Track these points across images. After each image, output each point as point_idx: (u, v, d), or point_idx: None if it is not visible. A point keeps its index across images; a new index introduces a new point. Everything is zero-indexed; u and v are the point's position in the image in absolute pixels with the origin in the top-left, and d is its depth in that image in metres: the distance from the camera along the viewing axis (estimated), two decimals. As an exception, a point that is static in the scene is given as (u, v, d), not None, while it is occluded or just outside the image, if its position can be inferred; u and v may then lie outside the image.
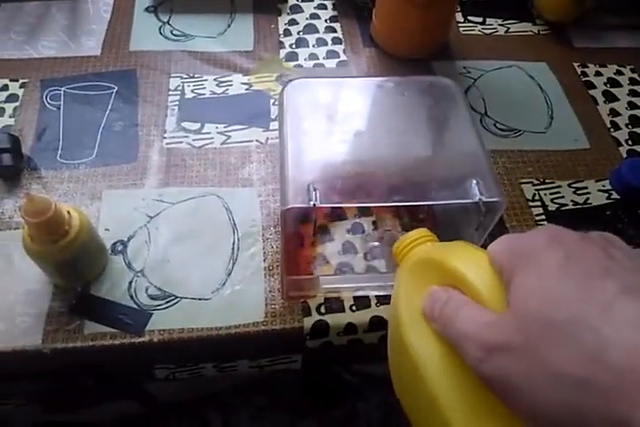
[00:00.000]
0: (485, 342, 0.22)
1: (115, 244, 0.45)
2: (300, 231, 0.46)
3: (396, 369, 0.29)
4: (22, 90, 0.55)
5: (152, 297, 0.42)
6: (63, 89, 0.55)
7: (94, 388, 0.47)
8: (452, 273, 0.25)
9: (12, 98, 0.54)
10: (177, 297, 0.42)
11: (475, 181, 0.33)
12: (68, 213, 0.39)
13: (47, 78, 0.56)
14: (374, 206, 0.45)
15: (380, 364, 0.53)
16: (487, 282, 0.24)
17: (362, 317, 0.42)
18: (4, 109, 0.53)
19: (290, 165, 0.33)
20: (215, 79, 0.57)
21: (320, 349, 0.43)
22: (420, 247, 0.30)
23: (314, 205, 0.31)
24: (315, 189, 0.32)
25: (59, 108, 0.54)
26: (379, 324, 0.43)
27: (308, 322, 0.42)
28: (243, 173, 0.50)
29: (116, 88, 0.55)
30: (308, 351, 0.43)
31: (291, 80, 0.39)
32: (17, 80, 0.55)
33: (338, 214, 0.47)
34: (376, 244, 0.45)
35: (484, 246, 0.38)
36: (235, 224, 0.47)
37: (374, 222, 0.47)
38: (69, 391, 0.47)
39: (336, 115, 0.39)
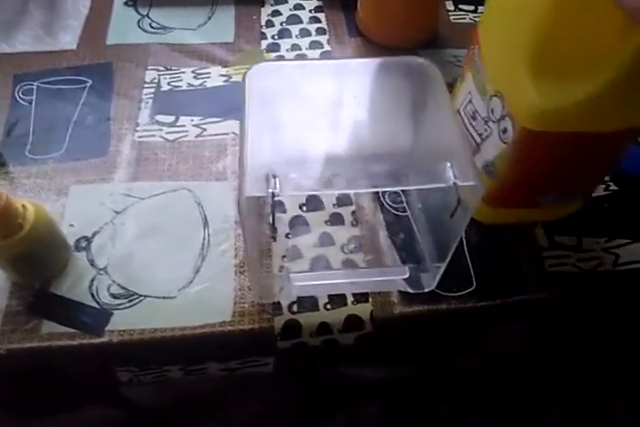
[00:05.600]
0: None
1: (78, 240, 0.43)
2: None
3: None
4: (-6, 85, 0.53)
5: (114, 296, 0.40)
6: (36, 84, 0.54)
7: (63, 392, 0.45)
8: None
9: (-17, 93, 0.53)
10: (140, 296, 0.40)
11: (449, 164, 0.30)
12: (23, 206, 0.37)
13: (20, 73, 0.54)
14: (343, 193, 0.42)
15: (374, 367, 0.51)
16: None
17: (337, 315, 0.40)
18: (-25, 105, 0.52)
19: (249, 152, 0.31)
20: (193, 71, 0.55)
21: (292, 350, 0.41)
22: None
23: (272, 193, 0.28)
24: (274, 177, 0.29)
25: (30, 103, 0.52)
26: (355, 323, 0.40)
27: (279, 322, 0.39)
28: (217, 166, 0.48)
29: (91, 82, 0.54)
30: (279, 353, 0.41)
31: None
32: (-11, 75, 0.54)
33: (314, 204, 0.44)
34: (355, 235, 0.43)
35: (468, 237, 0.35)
36: (206, 220, 0.45)
37: (354, 213, 0.44)
38: (36, 395, 0.45)
39: (305, 100, 0.37)
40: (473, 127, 0.40)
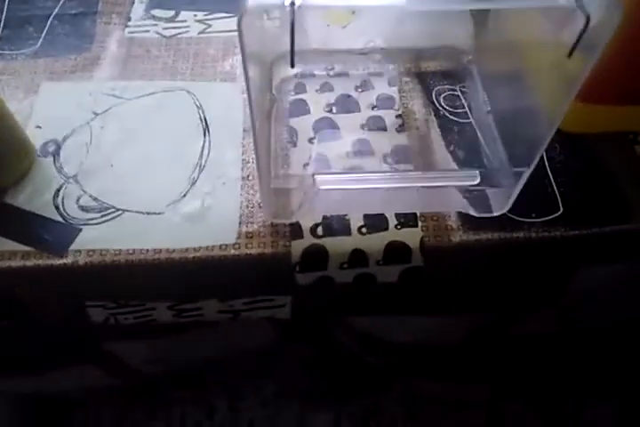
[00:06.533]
0: None
1: (46, 144, 0.34)
2: (292, 125, 0.33)
3: None
4: (-37, -23, 0.45)
5: (84, 209, 0.31)
6: (13, -24, 0.45)
7: (28, 338, 0.37)
8: None
9: (-50, -14, 0.44)
10: (117, 209, 0.31)
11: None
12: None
13: (-4, -35, 0.46)
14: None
15: (407, 326, 0.41)
16: None
17: (375, 242, 0.30)
18: (-60, 0, 0.43)
19: None
20: (200, -36, 0.46)
21: (315, 288, 0.31)
22: None
23: (292, 2, 0.18)
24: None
25: (4, -4, 0.43)
26: (399, 253, 0.30)
27: (298, 247, 0.29)
28: (224, 65, 0.38)
29: (78, -26, 0.45)
30: (298, 291, 0.31)
31: None
32: (-41, -33, 0.45)
33: (346, 105, 0.34)
34: (401, 143, 0.32)
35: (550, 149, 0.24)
36: (207, 125, 0.35)
37: (399, 117, 0.34)
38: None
39: None
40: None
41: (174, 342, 0.38)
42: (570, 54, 0.21)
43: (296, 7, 0.18)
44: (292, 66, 0.20)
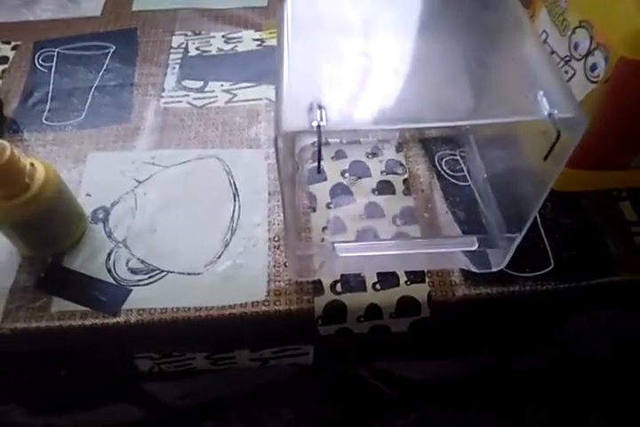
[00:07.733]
0: None
1: (96, 211, 0.38)
2: (312, 191, 0.38)
3: None
4: (13, 52, 0.50)
5: (133, 271, 0.35)
6: (57, 50, 0.50)
7: (78, 383, 0.41)
8: None
9: (1, 60, 0.49)
10: (162, 271, 0.35)
11: (541, 92, 0.24)
12: (32, 164, 0.32)
13: (41, 40, 0.51)
14: (400, 129, 0.36)
15: (418, 367, 0.45)
16: None
17: (388, 297, 0.34)
18: (-8, 73, 0.48)
19: (289, 79, 0.25)
20: (223, 36, 0.51)
21: (335, 338, 0.35)
22: None
23: (319, 126, 0.23)
24: (320, 108, 0.23)
25: (50, 70, 0.48)
26: (409, 307, 0.34)
27: (320, 302, 0.34)
28: (249, 133, 0.43)
29: (114, 48, 0.50)
30: (320, 341, 0.35)
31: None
32: (9, 43, 0.51)
33: (359, 170, 0.39)
34: (408, 205, 0.37)
35: (542, 208, 0.29)
36: (236, 189, 0.39)
37: (406, 181, 0.38)
38: (49, 386, 0.40)
39: (355, 27, 0.31)
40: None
41: (205, 381, 0.42)
42: (545, 158, 0.25)
43: (322, 129, 0.23)
44: (319, 172, 0.24)
